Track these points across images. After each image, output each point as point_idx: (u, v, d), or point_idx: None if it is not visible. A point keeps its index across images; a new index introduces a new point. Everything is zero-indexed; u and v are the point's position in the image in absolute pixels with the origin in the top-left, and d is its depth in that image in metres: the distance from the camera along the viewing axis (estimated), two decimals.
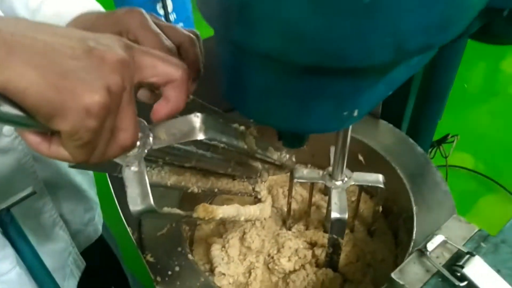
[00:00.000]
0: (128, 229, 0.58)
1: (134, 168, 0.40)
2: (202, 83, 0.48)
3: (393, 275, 0.47)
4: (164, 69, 0.36)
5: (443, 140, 0.88)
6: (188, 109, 0.40)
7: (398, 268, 0.47)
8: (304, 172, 0.70)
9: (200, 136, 0.40)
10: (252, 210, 0.66)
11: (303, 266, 0.74)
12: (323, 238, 0.77)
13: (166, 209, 0.46)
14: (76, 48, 0.30)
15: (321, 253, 0.75)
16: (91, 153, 0.33)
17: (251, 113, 0.41)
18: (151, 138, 0.40)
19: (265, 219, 0.76)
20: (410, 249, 0.63)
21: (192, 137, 0.40)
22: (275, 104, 0.39)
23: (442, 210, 0.68)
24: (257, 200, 0.70)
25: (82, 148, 0.32)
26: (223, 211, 0.57)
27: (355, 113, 0.40)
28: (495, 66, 2.35)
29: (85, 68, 0.30)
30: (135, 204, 0.39)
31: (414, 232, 0.65)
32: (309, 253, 0.76)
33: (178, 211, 0.49)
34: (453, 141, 0.88)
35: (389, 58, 0.33)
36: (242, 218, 0.64)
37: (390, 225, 0.80)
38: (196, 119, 0.40)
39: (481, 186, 1.74)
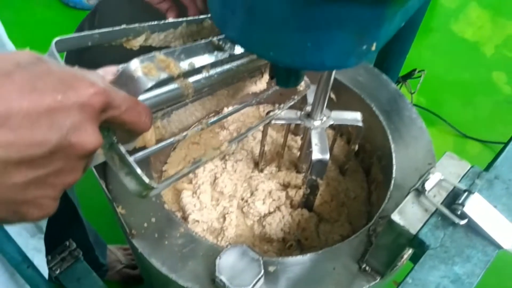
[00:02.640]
0: (100, 181, 0.51)
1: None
2: None
3: (392, 216, 0.45)
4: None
5: (410, 75, 0.87)
6: None
7: (397, 209, 0.46)
8: (281, 112, 0.65)
9: (147, 84, 0.36)
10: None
11: (278, 208, 0.72)
12: (296, 179, 0.75)
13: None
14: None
15: (295, 194, 0.73)
16: None
17: (258, 48, 0.36)
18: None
19: None
20: (391, 186, 0.63)
21: (140, 90, 0.36)
22: (288, 37, 0.34)
23: (419, 147, 0.67)
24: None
25: None
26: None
27: (373, 47, 0.36)
28: (434, 1, 2.38)
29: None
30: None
31: (394, 170, 0.64)
32: (283, 195, 0.74)
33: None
34: (419, 77, 0.87)
35: None
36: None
37: (361, 163, 0.80)
38: (133, 65, 0.36)
39: (423, 119, 1.81)
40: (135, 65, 0.36)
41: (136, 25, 0.44)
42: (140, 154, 0.41)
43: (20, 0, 2.10)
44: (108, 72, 0.36)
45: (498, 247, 0.44)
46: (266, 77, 0.59)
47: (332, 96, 0.78)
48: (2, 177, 0.27)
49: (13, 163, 0.27)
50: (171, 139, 0.46)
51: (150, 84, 0.37)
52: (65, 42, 0.38)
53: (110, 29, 0.42)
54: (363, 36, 0.34)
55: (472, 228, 0.45)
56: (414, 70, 0.86)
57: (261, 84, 0.57)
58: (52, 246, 0.80)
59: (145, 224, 0.57)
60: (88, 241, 1.09)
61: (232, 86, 0.54)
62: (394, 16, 0.36)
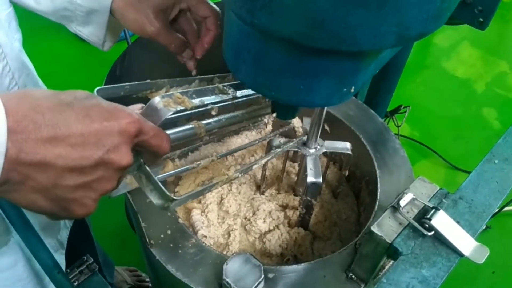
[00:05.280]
0: (130, 197, 0.60)
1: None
2: None
3: (372, 228, 0.54)
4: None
5: (396, 110, 0.97)
6: None
7: (376, 222, 0.55)
8: (281, 141, 0.75)
9: (167, 113, 0.46)
10: None
11: (277, 226, 0.81)
12: (293, 200, 0.84)
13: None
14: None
15: (292, 214, 0.82)
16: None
17: (262, 89, 0.46)
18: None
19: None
20: (376, 207, 0.72)
21: (161, 118, 0.46)
22: (286, 81, 0.44)
23: (401, 173, 0.77)
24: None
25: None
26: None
27: (352, 89, 0.46)
28: (428, 40, 2.52)
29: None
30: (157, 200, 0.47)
31: (378, 193, 0.74)
32: (281, 215, 0.83)
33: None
34: (405, 112, 0.97)
35: (391, 44, 0.39)
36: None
37: (352, 188, 0.89)
38: (156, 100, 0.46)
39: (417, 152, 1.91)
40: (157, 100, 0.47)
41: (159, 80, 0.54)
42: (161, 175, 0.51)
43: (39, 34, 2.24)
44: (135, 108, 0.46)
45: (460, 254, 0.53)
46: (269, 127, 0.70)
47: (326, 127, 0.88)
48: (59, 180, 0.36)
49: (68, 170, 0.36)
50: (187, 166, 0.56)
51: (169, 114, 0.47)
52: (104, 90, 0.49)
53: (138, 82, 0.52)
54: (344, 81, 0.45)
55: (438, 239, 0.54)
56: (400, 106, 0.97)
57: (264, 132, 0.69)
58: (67, 262, 0.88)
59: (162, 236, 0.66)
60: (97, 260, 1.17)
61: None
62: (368, 66, 0.46)
